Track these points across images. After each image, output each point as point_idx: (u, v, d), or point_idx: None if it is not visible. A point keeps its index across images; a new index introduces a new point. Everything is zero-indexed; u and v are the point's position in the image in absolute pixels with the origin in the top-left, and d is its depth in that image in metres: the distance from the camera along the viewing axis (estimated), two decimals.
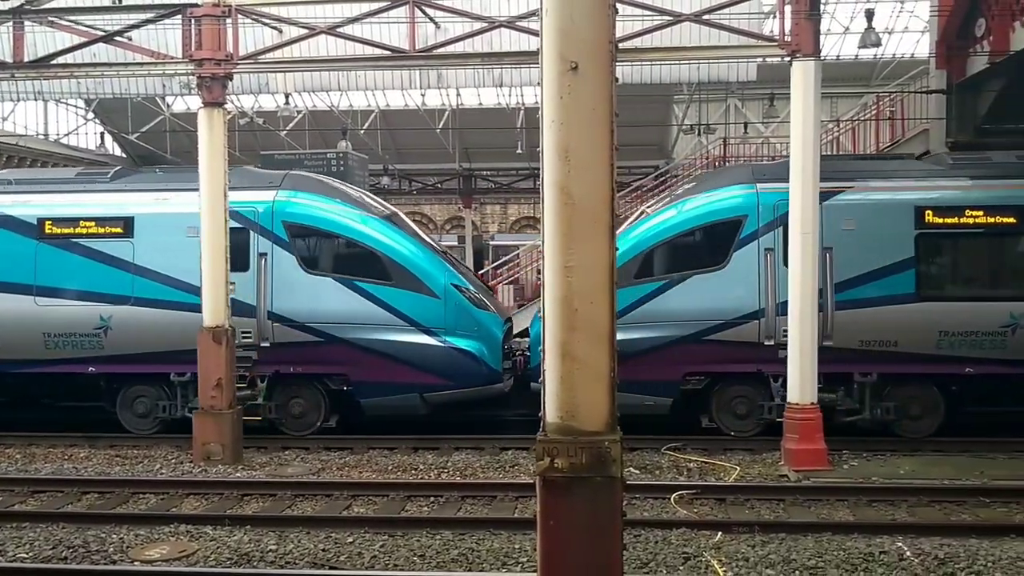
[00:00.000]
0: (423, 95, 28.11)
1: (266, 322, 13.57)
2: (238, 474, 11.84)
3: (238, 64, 12.61)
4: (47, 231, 14.05)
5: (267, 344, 13.56)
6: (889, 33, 27.82)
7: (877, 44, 17.62)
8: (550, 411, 4.46)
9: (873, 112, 21.11)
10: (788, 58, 11.55)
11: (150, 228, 13.86)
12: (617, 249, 4.59)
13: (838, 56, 28.38)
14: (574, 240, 4.33)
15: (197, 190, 12.80)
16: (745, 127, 27.70)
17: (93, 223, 13.95)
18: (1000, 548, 8.46)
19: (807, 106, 11.47)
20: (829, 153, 21.92)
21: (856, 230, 13.12)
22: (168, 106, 29.92)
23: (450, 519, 9.71)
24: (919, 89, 19.05)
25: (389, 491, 10.81)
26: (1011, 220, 13.16)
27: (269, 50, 13.01)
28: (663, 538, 8.88)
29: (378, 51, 12.71)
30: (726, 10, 12.64)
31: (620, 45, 11.82)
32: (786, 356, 12.51)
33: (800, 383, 11.68)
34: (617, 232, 15.20)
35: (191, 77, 13.42)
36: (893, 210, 13.29)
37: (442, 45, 12.44)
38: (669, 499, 10.34)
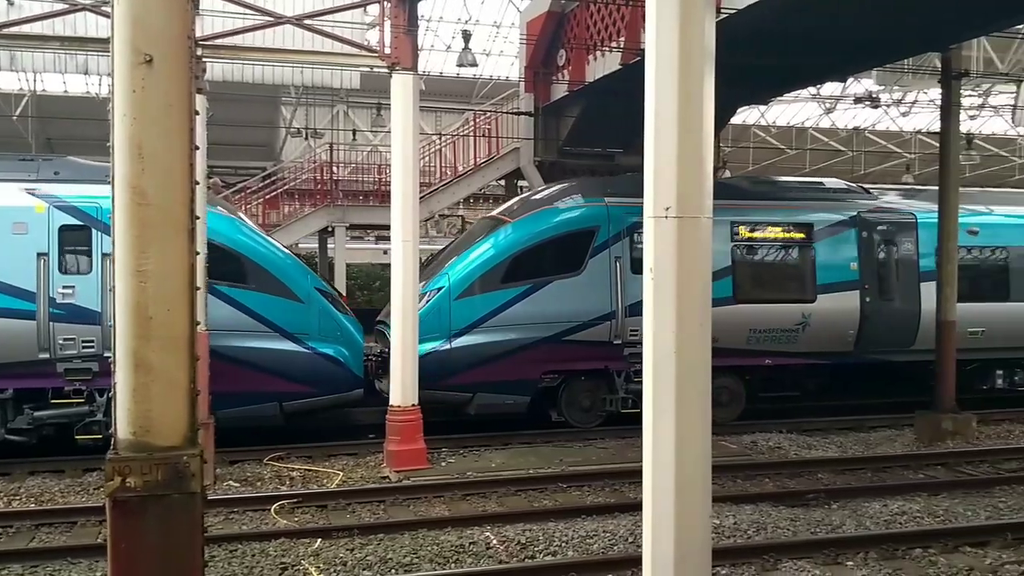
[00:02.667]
0: None
1: (111, 329, 11.26)
2: None
3: None
4: None
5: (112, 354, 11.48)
6: (487, 55, 29.75)
7: (474, 64, 18.72)
8: (122, 427, 4.13)
9: (471, 128, 22.40)
10: (388, 70, 11.87)
11: None
12: (200, 249, 4.38)
13: (441, 73, 29.78)
14: (149, 243, 4.05)
15: (23, 180, 11.31)
16: (354, 134, 28.08)
17: None
18: (573, 528, 9.35)
19: (406, 117, 11.86)
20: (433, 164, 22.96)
21: None
22: None
23: (20, 551, 8.71)
24: (510, 110, 20.56)
25: None
26: (800, 235, 15.42)
27: None
28: (261, 550, 8.69)
29: None
30: (330, 17, 12.72)
31: (218, 42, 11.51)
32: (631, 353, 14.01)
33: (402, 386, 12.04)
34: (477, 239, 14.58)
35: None
36: (715, 225, 14.76)
37: (15, 24, 11.15)
38: (270, 510, 10.15)
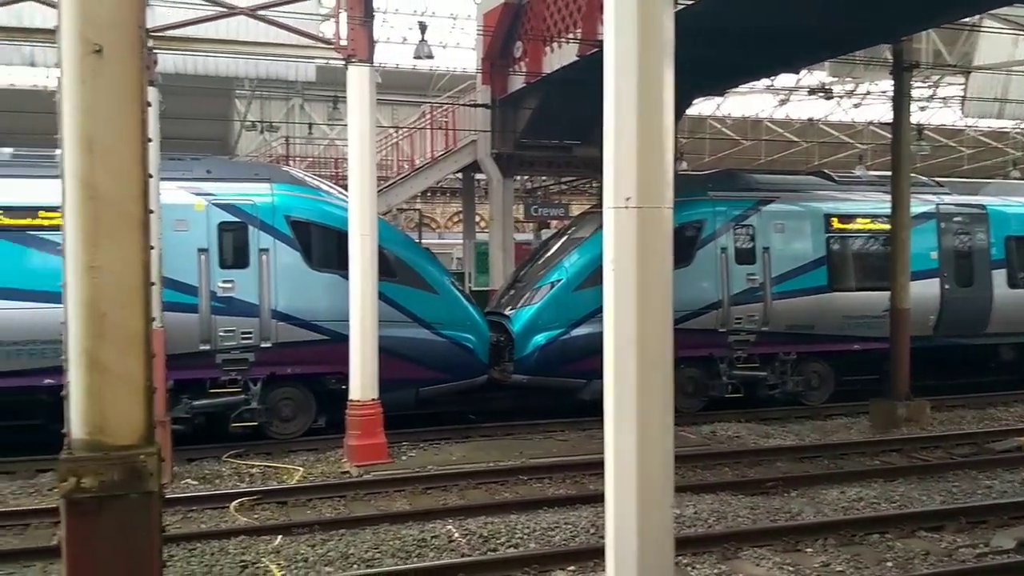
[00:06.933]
0: None
1: (270, 321, 12.80)
2: None
3: None
4: None
5: (268, 345, 12.82)
6: (444, 47, 29.62)
7: (430, 56, 18.59)
8: (76, 427, 4.03)
9: (428, 121, 22.27)
10: (344, 62, 11.75)
11: None
12: (152, 248, 4.28)
13: (397, 65, 29.58)
14: (101, 238, 3.95)
15: (180, 179, 12.12)
16: (310, 128, 27.83)
17: None
18: (535, 520, 9.34)
19: (363, 110, 11.77)
20: (379, 159, 22.79)
21: (784, 234, 15.82)
22: None
23: None
24: (467, 102, 20.47)
25: None
26: (887, 226, 15.71)
27: None
28: (220, 548, 8.58)
29: None
30: (285, 8, 12.55)
31: (170, 33, 11.30)
32: (735, 340, 15.26)
33: (361, 381, 11.95)
34: (590, 233, 15.32)
35: None
36: (809, 217, 16.03)
37: None
38: (229, 508, 10.03)
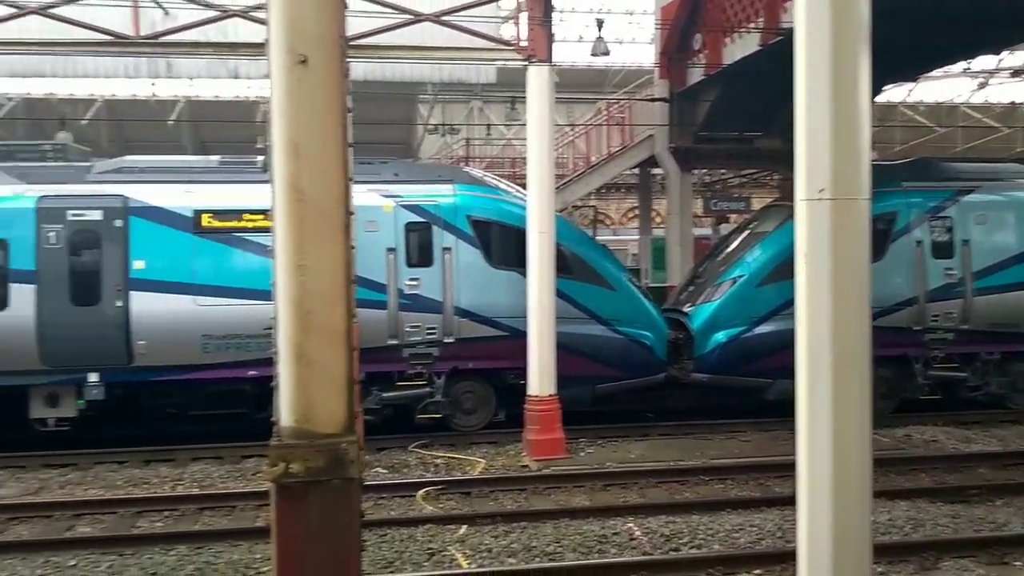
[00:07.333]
0: (153, 85, 26.57)
1: (452, 317, 13.29)
2: None
3: None
4: None
5: (451, 340, 13.30)
6: (620, 43, 29.50)
7: (607, 53, 18.54)
8: (284, 415, 4.29)
9: (604, 117, 22.24)
10: (524, 63, 11.92)
11: None
12: (352, 248, 4.49)
13: (573, 63, 29.69)
14: (307, 239, 4.19)
15: (369, 181, 12.69)
16: (488, 129, 28.36)
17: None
18: (717, 522, 9.18)
19: (542, 109, 11.90)
20: (565, 156, 22.94)
21: (986, 225, 14.93)
22: None
23: (186, 533, 9.22)
24: (644, 97, 20.30)
25: (117, 508, 10.11)
26: None
27: None
28: (409, 535, 8.91)
29: (98, 36, 11.75)
30: (466, 13, 12.85)
31: (360, 42, 11.79)
32: (931, 339, 14.52)
33: (539, 377, 12.10)
34: (773, 227, 15.01)
35: None
36: (1014, 207, 15.19)
37: (170, 32, 11.72)
38: (416, 496, 10.39)
